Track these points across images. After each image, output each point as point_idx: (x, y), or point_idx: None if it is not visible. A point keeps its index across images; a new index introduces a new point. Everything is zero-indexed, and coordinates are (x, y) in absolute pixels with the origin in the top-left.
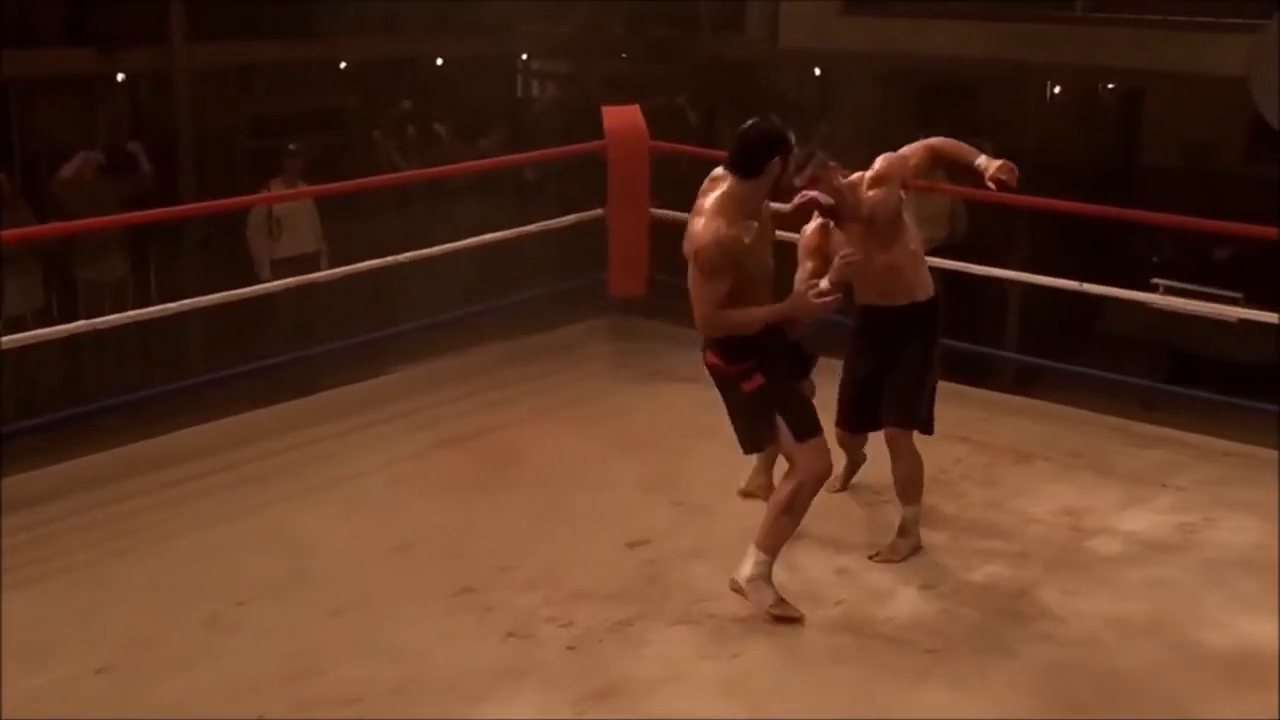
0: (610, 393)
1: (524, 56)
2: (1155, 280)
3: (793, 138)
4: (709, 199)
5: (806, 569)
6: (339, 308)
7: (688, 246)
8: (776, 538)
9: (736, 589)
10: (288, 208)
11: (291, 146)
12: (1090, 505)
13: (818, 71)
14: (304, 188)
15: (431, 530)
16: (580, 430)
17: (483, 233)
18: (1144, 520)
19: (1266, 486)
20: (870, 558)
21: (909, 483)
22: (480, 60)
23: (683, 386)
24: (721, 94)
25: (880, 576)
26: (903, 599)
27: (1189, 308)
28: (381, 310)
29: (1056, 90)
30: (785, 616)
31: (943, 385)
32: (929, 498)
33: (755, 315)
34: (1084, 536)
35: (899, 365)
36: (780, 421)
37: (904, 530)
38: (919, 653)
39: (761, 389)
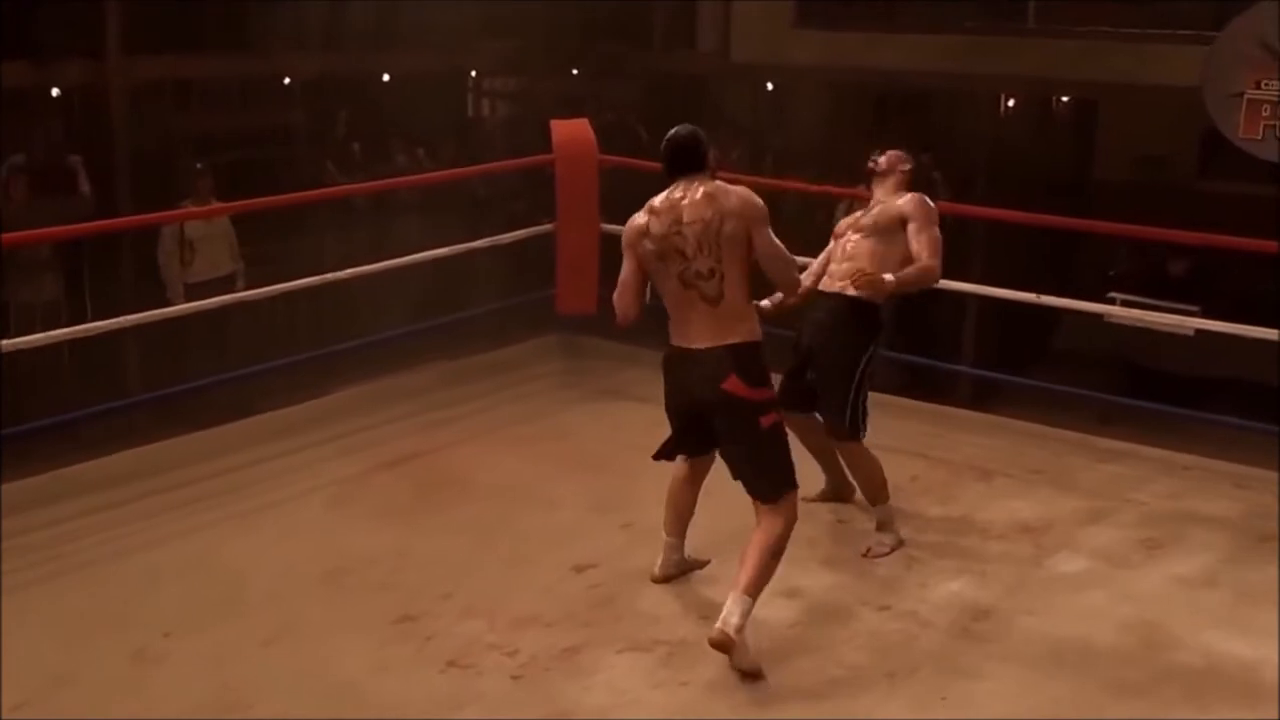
0: (558, 412)
1: (473, 73)
2: (1111, 294)
3: None
4: (700, 194)
5: None
6: (281, 327)
7: (737, 217)
8: (764, 581)
9: (724, 642)
10: (201, 230)
11: (199, 165)
12: (1051, 521)
13: (770, 86)
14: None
15: (368, 556)
16: (526, 451)
17: (431, 250)
18: (1106, 536)
19: (1229, 500)
20: (862, 554)
21: (870, 485)
22: (428, 76)
23: (633, 405)
24: (673, 110)
25: (835, 597)
26: (860, 620)
27: (1146, 320)
28: (326, 329)
29: (1010, 103)
30: (755, 674)
31: (900, 401)
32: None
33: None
34: (1045, 554)
35: (827, 376)
36: (780, 463)
37: (881, 526)
38: (878, 676)
39: (776, 425)
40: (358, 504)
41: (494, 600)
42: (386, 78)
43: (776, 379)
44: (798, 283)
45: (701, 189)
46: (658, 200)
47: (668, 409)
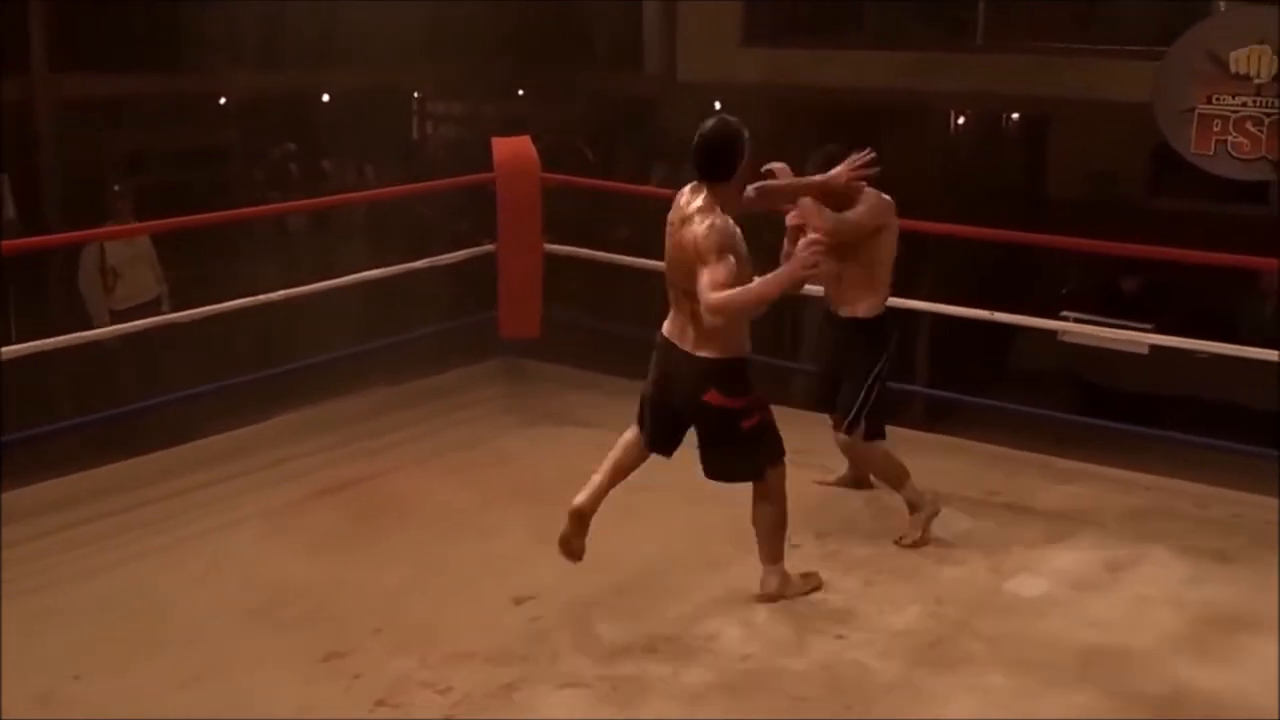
0: (498, 438)
1: (416, 94)
2: (1065, 313)
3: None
4: (691, 208)
5: (705, 620)
6: (218, 351)
7: (684, 252)
8: (781, 545)
9: (771, 599)
10: (123, 253)
11: (116, 187)
12: (1010, 545)
13: (718, 105)
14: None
15: (298, 589)
16: (465, 478)
17: (367, 271)
18: (1066, 559)
19: (1190, 520)
20: (896, 542)
21: (886, 475)
22: (369, 96)
23: (577, 430)
24: (619, 130)
25: (788, 626)
26: (815, 651)
27: (1101, 336)
28: (265, 353)
29: (960, 120)
30: (816, 585)
31: None
32: (837, 538)
33: (754, 290)
34: (1004, 577)
35: (843, 377)
36: (761, 457)
37: (912, 506)
38: (835, 709)
39: (756, 427)
40: (290, 534)
41: (427, 635)
42: (326, 97)
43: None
44: (709, 307)
45: (694, 206)
46: (692, 185)
47: (644, 395)
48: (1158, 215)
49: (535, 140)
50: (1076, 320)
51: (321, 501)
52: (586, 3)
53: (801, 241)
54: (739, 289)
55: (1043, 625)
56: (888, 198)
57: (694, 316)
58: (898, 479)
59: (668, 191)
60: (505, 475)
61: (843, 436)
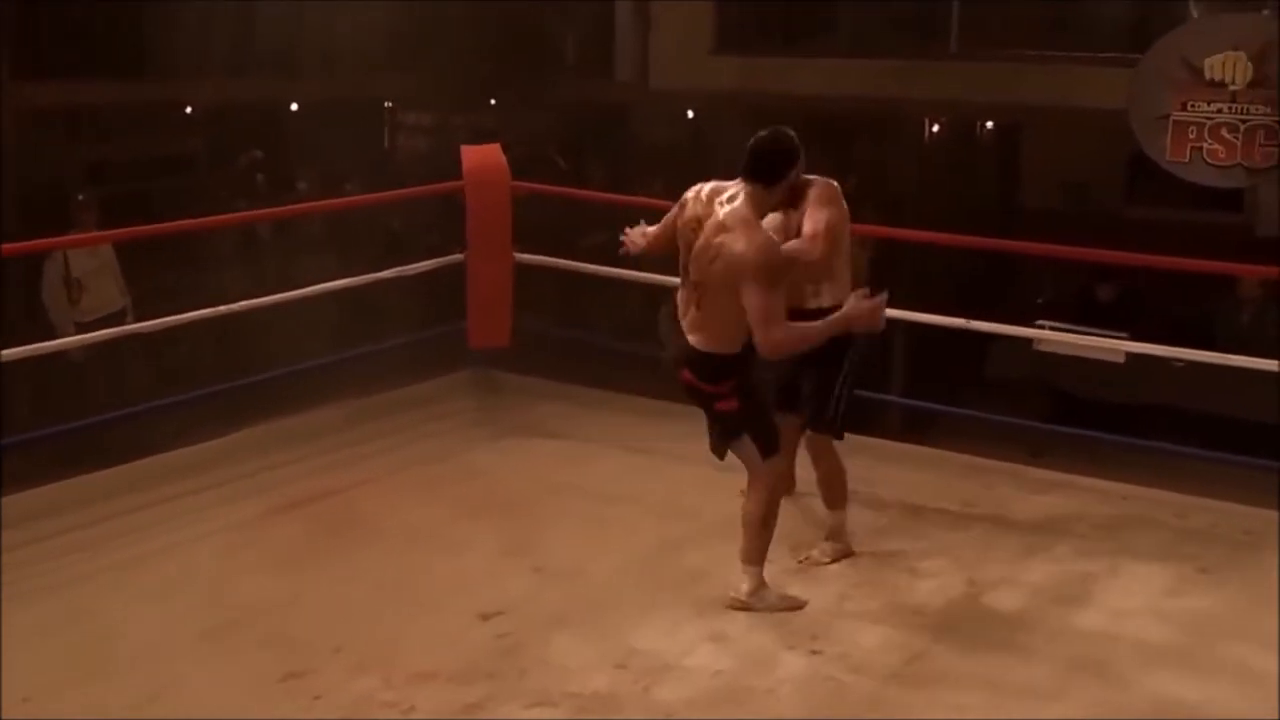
0: (467, 450)
1: (388, 104)
2: (1040, 322)
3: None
4: (724, 212)
5: (677, 635)
6: (184, 363)
7: (721, 261)
8: (762, 549)
9: (739, 605)
10: (87, 265)
11: (80, 197)
12: (985, 557)
13: (690, 114)
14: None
15: (257, 607)
16: (432, 492)
17: (334, 281)
18: (1043, 571)
19: (1169, 530)
20: (799, 561)
21: (831, 486)
22: (339, 105)
23: (546, 442)
24: (591, 139)
25: (761, 641)
26: (787, 667)
27: (1077, 345)
28: (231, 365)
29: (935, 128)
30: (795, 605)
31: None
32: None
33: (813, 331)
34: (981, 590)
35: (813, 371)
36: (748, 440)
37: (832, 534)
38: None
39: (735, 411)
40: (249, 550)
41: (390, 653)
42: (295, 106)
43: None
44: (770, 347)
45: (736, 206)
46: (714, 185)
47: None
48: (1132, 223)
49: (507, 150)
50: (1052, 329)
51: (285, 516)
52: (558, 12)
53: (867, 304)
54: (798, 329)
55: (1020, 639)
56: (834, 183)
57: (694, 315)
58: (843, 497)
59: (639, 200)
60: (474, 488)
61: (815, 434)
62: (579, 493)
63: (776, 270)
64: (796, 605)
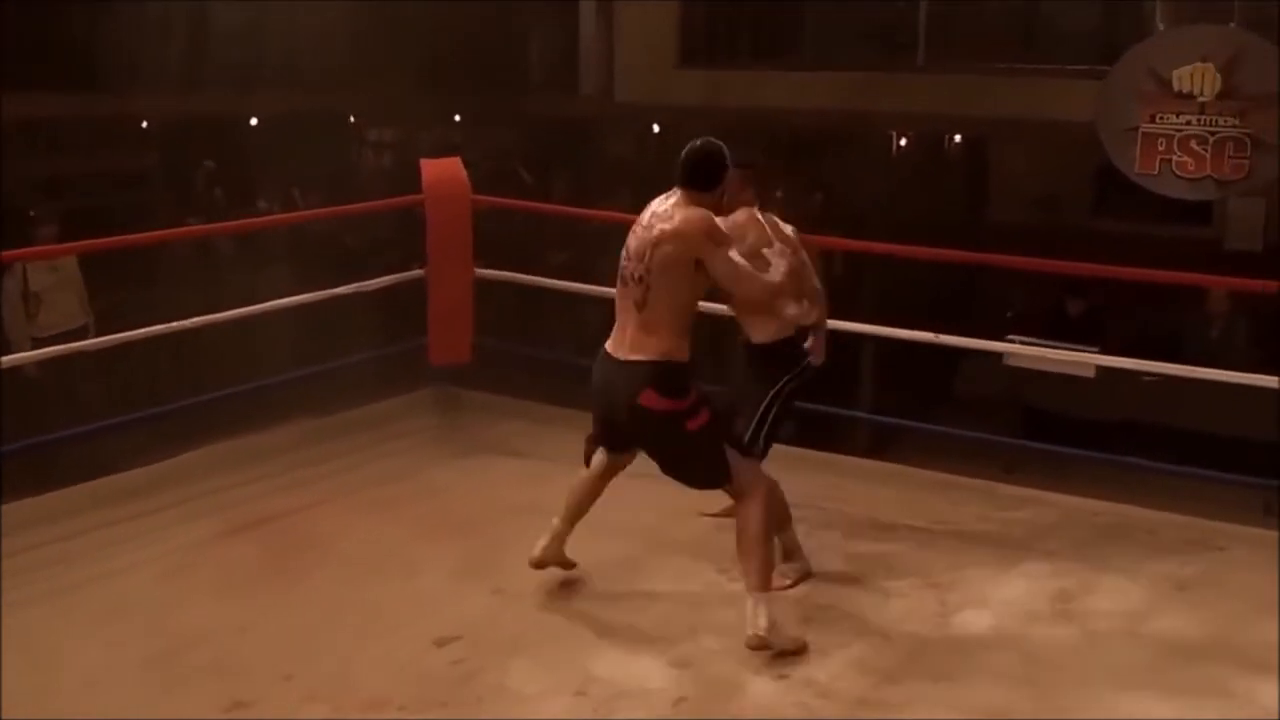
0: (425, 470)
1: (351, 118)
2: (1010, 336)
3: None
4: (660, 210)
5: (638, 661)
6: (138, 381)
7: (671, 243)
8: (767, 571)
9: (759, 644)
10: (46, 280)
11: (32, 213)
12: (956, 576)
13: (656, 127)
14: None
15: (203, 634)
16: (388, 513)
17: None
18: (1015, 590)
19: (1142, 547)
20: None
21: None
22: (301, 120)
23: (507, 461)
24: (557, 154)
25: (724, 667)
26: (752, 694)
27: (1047, 359)
28: (186, 384)
29: (902, 142)
30: (802, 648)
31: (792, 451)
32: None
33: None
34: (951, 611)
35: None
36: (728, 451)
37: (787, 554)
38: None
39: (708, 425)
40: (197, 575)
41: (341, 681)
42: (254, 121)
43: None
44: (766, 293)
45: (672, 202)
46: (657, 199)
47: (592, 408)
48: (1100, 237)
49: (470, 165)
50: (1022, 344)
51: (236, 539)
52: (523, 26)
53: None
54: (763, 280)
55: (992, 661)
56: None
57: (640, 322)
58: (787, 517)
59: (601, 214)
60: (433, 508)
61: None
62: (540, 513)
63: (721, 233)
64: (803, 649)
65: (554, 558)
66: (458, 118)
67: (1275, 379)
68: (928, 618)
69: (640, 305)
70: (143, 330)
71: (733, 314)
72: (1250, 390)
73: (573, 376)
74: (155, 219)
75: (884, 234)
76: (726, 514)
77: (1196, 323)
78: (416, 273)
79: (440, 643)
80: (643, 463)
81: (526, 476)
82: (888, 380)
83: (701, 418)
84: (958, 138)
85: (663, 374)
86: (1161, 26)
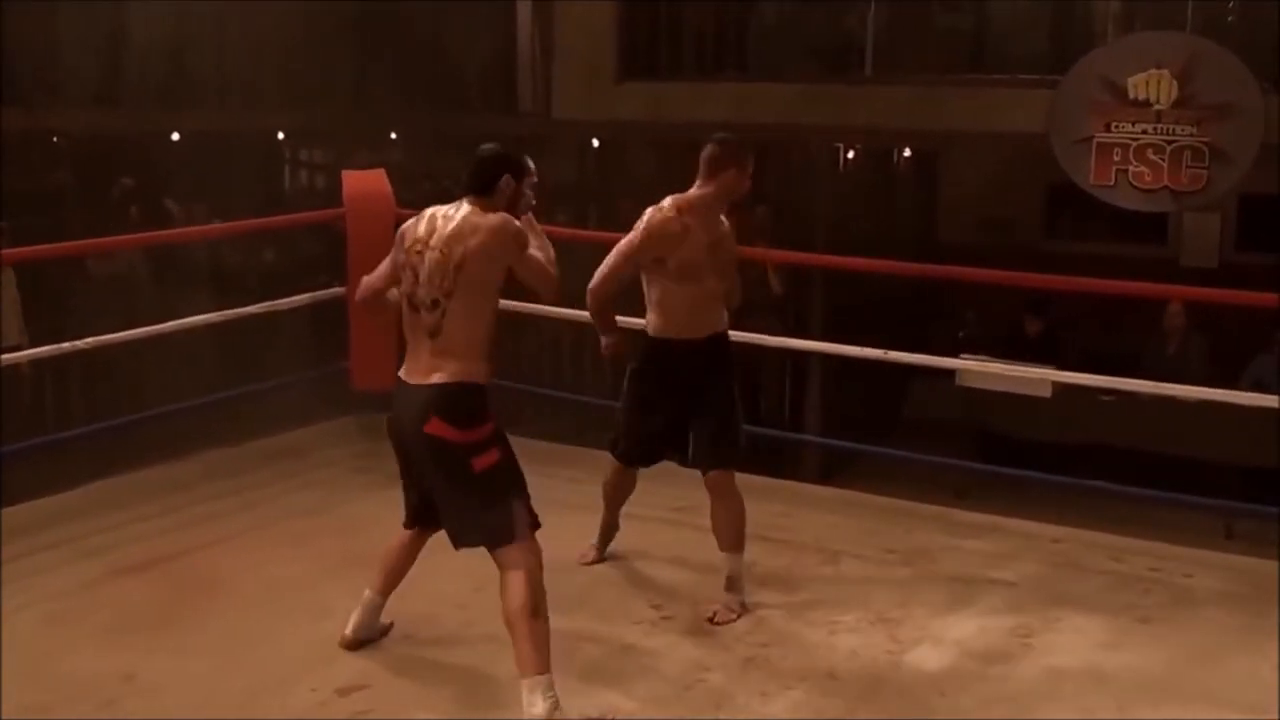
0: (344, 502)
1: (280, 135)
2: (963, 355)
3: (527, 162)
4: (453, 225)
5: (561, 710)
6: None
7: (475, 257)
8: (543, 651)
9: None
10: None
11: None
12: (909, 610)
13: (596, 143)
14: None
15: (84, 684)
16: (299, 549)
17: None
18: (972, 625)
19: (1106, 575)
20: (709, 619)
21: (734, 528)
22: (227, 138)
23: None
24: None
25: (657, 715)
26: None
27: (1004, 377)
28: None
29: (849, 155)
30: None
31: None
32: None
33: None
34: (904, 649)
35: (709, 403)
36: (513, 506)
37: (733, 583)
38: None
39: (496, 465)
40: (83, 619)
41: None
42: (176, 136)
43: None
44: (556, 283)
45: (462, 215)
46: (433, 210)
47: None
48: (1053, 258)
49: (406, 184)
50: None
51: (127, 580)
52: (460, 42)
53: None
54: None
55: (948, 704)
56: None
57: (434, 349)
58: (742, 540)
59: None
60: (348, 545)
61: (720, 472)
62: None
63: (522, 234)
64: None
65: (368, 633)
66: (394, 135)
67: (1233, 395)
68: (878, 656)
69: (435, 332)
70: (41, 349)
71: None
72: (1208, 409)
73: (506, 402)
74: (68, 238)
75: (828, 251)
76: (599, 558)
77: (1152, 342)
78: (336, 290)
79: (343, 692)
80: (573, 492)
81: None
82: (836, 403)
83: (489, 457)
84: (905, 152)
85: (453, 397)
86: (1110, 37)
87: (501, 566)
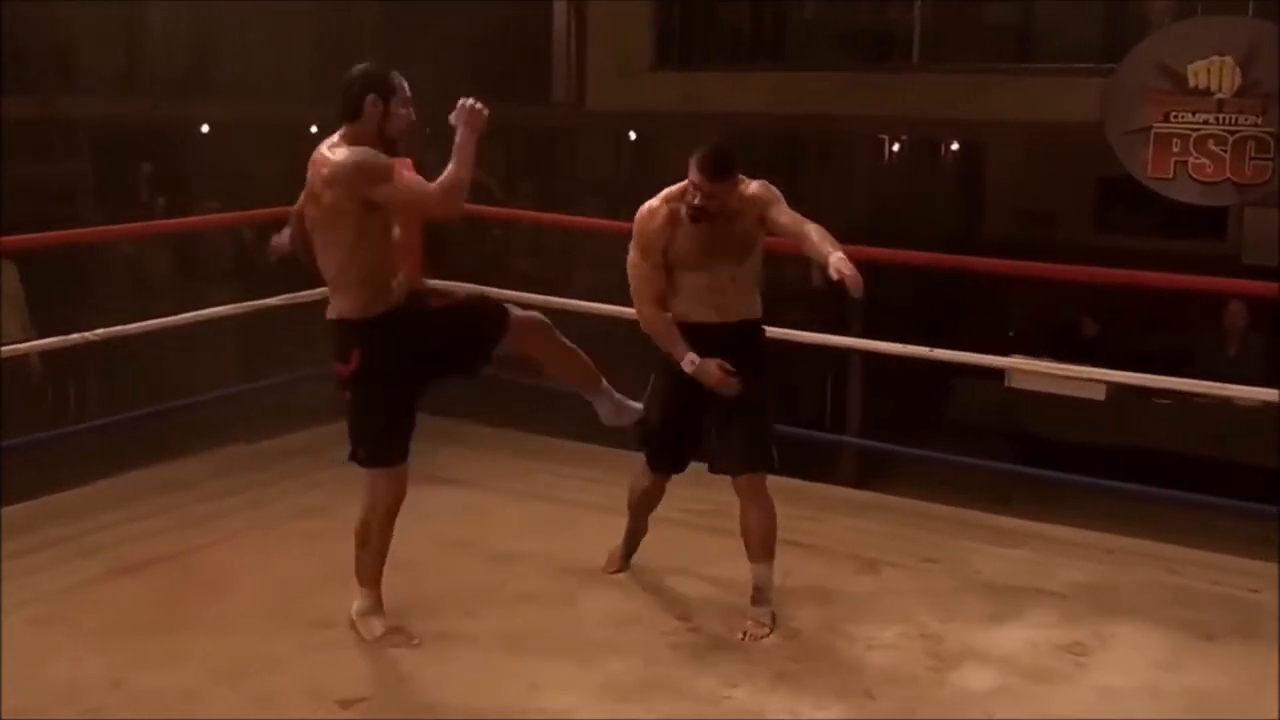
0: (351, 503)
1: (314, 129)
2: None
3: (395, 79)
4: (327, 154)
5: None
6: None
7: (337, 180)
8: (366, 570)
9: (352, 625)
10: None
11: None
12: (951, 624)
13: (633, 135)
14: None
15: (66, 690)
16: (306, 549)
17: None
18: (1019, 640)
19: (1163, 589)
20: (739, 638)
21: (767, 535)
22: (258, 129)
23: (443, 491)
24: (529, 163)
25: None
26: None
27: (1056, 377)
28: (98, 404)
29: (893, 147)
30: (401, 643)
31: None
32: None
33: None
34: (946, 666)
35: (739, 398)
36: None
37: (762, 595)
38: None
39: (360, 392)
40: (72, 621)
41: None
42: (205, 128)
43: None
44: (437, 201)
45: (328, 145)
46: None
47: None
48: (1102, 253)
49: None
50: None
51: (121, 581)
52: (493, 32)
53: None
54: (454, 179)
55: None
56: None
57: (323, 261)
58: (772, 547)
59: (562, 218)
60: (353, 547)
61: (752, 475)
62: (474, 550)
63: (385, 163)
64: (409, 640)
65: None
66: (428, 130)
67: None
68: (918, 673)
69: (322, 266)
70: (47, 341)
71: None
72: (1271, 413)
73: (521, 398)
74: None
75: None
76: (621, 567)
77: (1211, 342)
78: None
79: (345, 704)
80: (590, 491)
81: (463, 509)
82: (876, 404)
83: (360, 383)
84: (950, 144)
85: (350, 331)
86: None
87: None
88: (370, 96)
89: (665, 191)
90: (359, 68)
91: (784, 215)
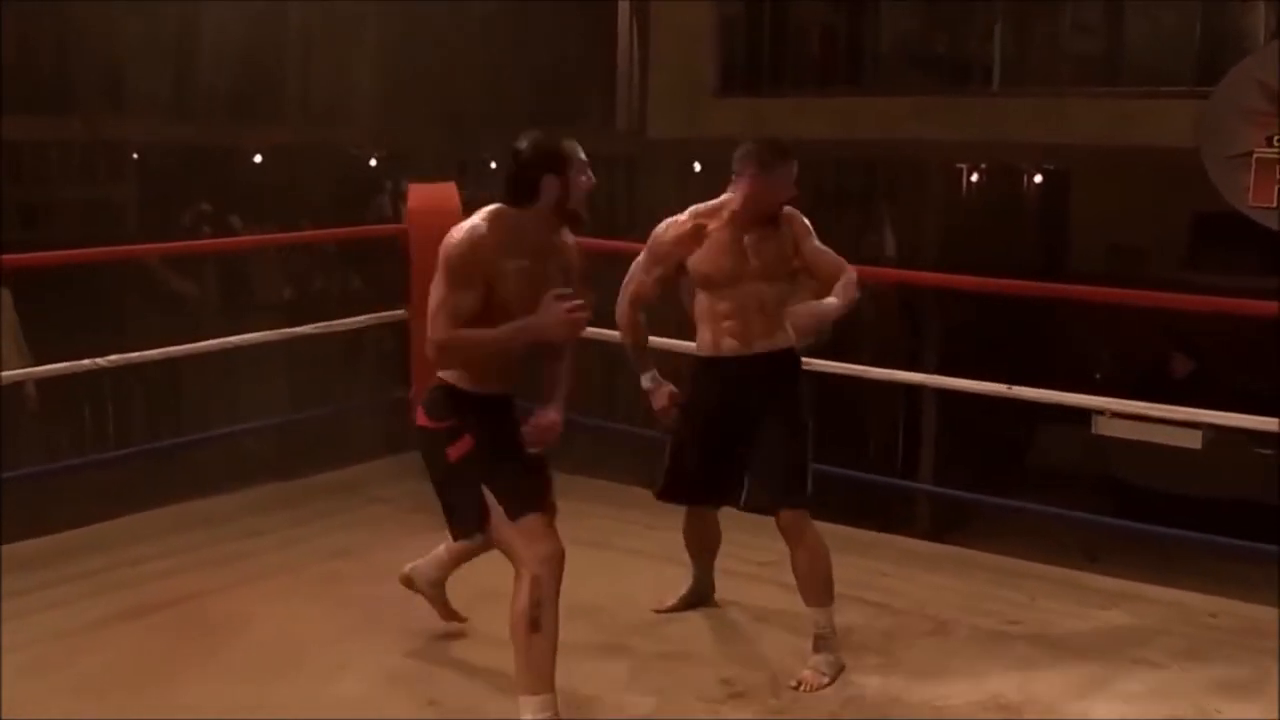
0: (386, 547)
1: (373, 162)
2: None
3: (575, 152)
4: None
5: None
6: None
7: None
8: (539, 668)
9: None
10: None
11: None
12: (1030, 693)
13: (697, 166)
14: None
15: None
16: (331, 594)
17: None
18: (1108, 712)
19: (1271, 658)
20: (794, 688)
21: (818, 576)
22: (314, 155)
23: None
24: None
25: None
26: None
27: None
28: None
29: (973, 175)
30: None
31: (832, 529)
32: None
33: (489, 334)
34: None
35: (771, 432)
36: (489, 498)
37: (823, 642)
38: None
39: (470, 455)
40: (69, 669)
41: None
42: (259, 158)
43: None
44: (437, 342)
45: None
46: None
47: None
48: (1196, 290)
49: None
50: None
51: (125, 625)
52: (557, 59)
53: (559, 307)
54: (471, 331)
55: None
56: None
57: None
58: (829, 590)
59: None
60: (380, 593)
61: (790, 514)
62: (504, 600)
63: (466, 262)
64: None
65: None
66: (494, 165)
67: None
68: None
69: None
70: (56, 366)
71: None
72: None
73: (589, 439)
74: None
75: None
76: (676, 608)
77: None
78: (399, 313)
79: None
80: (640, 537)
81: (500, 557)
82: (950, 448)
83: (462, 445)
84: (1034, 172)
85: (431, 394)
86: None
87: (509, 557)
88: (550, 178)
89: (694, 207)
90: (528, 142)
91: (809, 248)
